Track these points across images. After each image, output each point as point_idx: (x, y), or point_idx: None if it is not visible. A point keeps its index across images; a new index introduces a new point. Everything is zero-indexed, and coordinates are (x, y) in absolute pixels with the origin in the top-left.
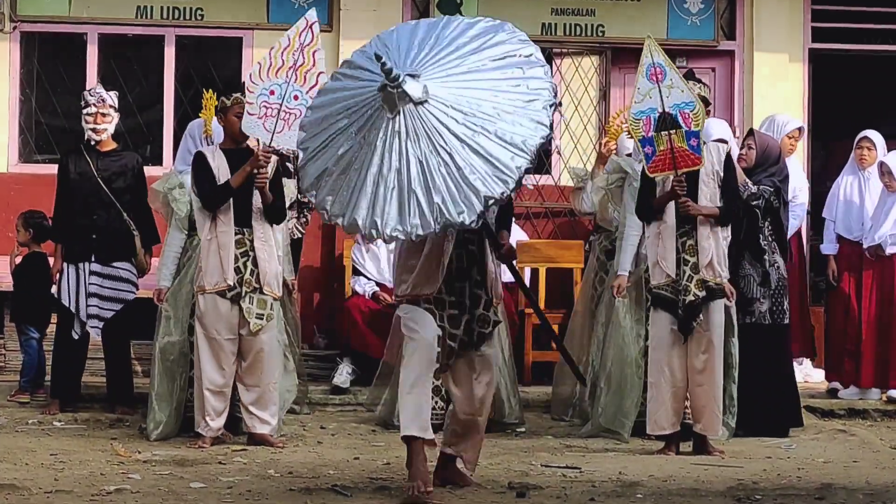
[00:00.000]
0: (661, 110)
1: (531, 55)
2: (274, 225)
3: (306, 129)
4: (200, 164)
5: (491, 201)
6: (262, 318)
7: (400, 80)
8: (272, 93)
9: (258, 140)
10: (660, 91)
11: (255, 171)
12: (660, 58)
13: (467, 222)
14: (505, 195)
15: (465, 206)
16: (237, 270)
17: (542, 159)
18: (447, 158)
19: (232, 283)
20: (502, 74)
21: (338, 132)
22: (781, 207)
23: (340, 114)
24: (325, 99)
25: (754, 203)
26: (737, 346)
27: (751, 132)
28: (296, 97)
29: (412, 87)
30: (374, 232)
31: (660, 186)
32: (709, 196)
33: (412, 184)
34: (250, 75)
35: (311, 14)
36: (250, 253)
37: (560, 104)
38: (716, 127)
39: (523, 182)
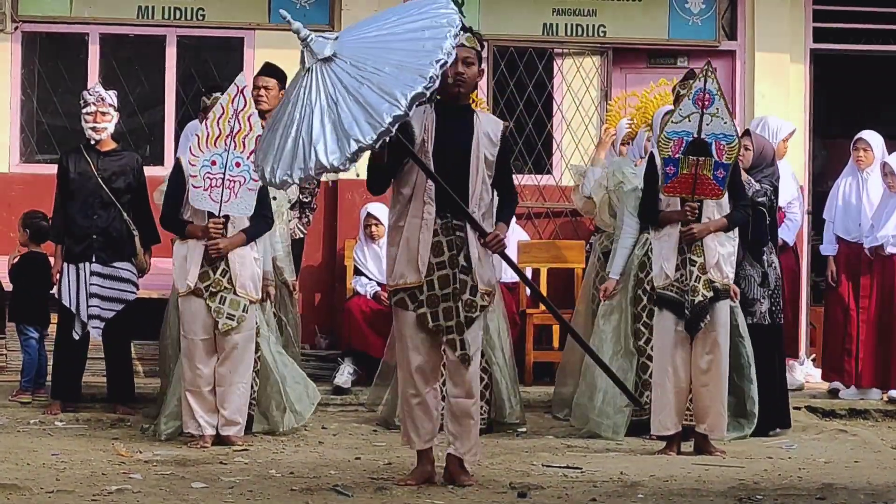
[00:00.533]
0: (695, 135)
1: (443, 21)
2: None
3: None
4: (174, 176)
5: (358, 145)
6: (232, 319)
7: (308, 38)
8: (214, 163)
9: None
10: (701, 117)
11: (207, 242)
12: (713, 85)
13: (336, 164)
14: (373, 140)
15: (338, 150)
16: (213, 270)
17: (543, 158)
18: (333, 107)
19: (192, 286)
20: (407, 35)
21: (281, 106)
22: (774, 210)
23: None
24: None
25: (760, 200)
26: (749, 346)
27: (747, 133)
28: (237, 164)
29: (319, 45)
30: (273, 180)
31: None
32: (714, 206)
33: (301, 131)
34: (190, 148)
35: (241, 79)
36: (225, 256)
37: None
38: None
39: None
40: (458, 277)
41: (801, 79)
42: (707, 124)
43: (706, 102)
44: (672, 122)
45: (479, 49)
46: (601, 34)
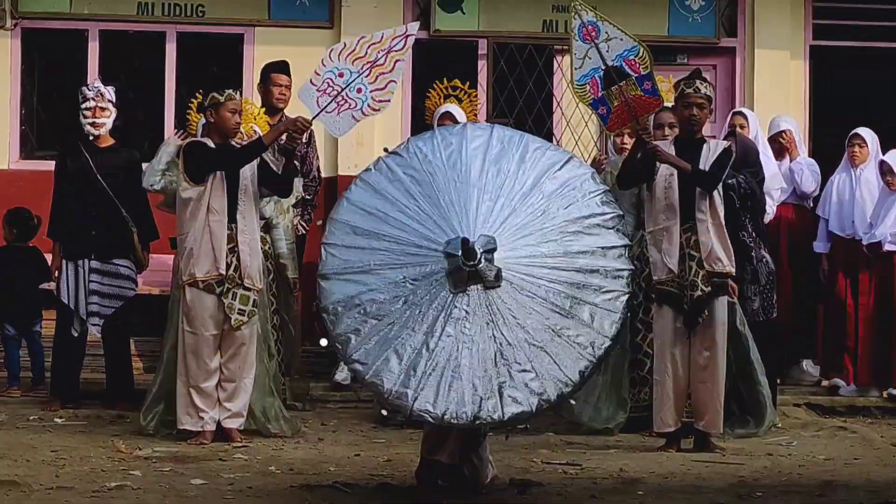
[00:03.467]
0: (604, 67)
1: (614, 226)
2: (257, 219)
3: (337, 226)
4: (201, 147)
5: (544, 406)
6: (243, 315)
7: (477, 261)
8: (341, 75)
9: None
10: (598, 48)
11: (291, 133)
12: (589, 16)
13: (504, 418)
14: (563, 399)
15: (512, 405)
16: (226, 267)
17: None
18: (507, 351)
19: (224, 273)
20: (583, 262)
21: (382, 266)
22: (758, 204)
23: (391, 243)
24: (373, 202)
25: (729, 182)
26: (752, 343)
27: (732, 133)
28: (359, 90)
29: (487, 270)
30: (398, 401)
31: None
32: (703, 194)
33: (460, 368)
34: (330, 51)
35: (413, 27)
36: (235, 249)
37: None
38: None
39: None
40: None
41: (801, 76)
42: (606, 52)
43: (593, 34)
44: (576, 68)
45: None
46: None
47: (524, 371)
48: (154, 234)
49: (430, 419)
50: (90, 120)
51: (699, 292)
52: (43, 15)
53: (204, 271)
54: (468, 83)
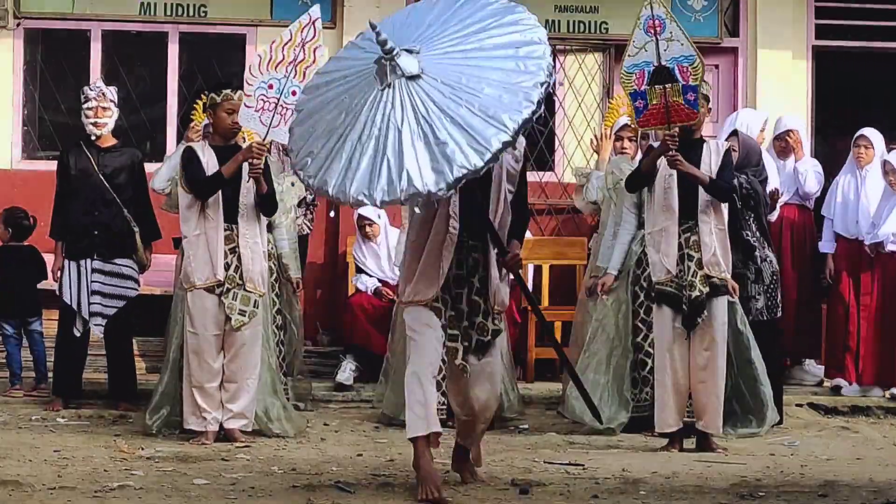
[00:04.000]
0: (656, 63)
1: (534, 37)
2: (261, 222)
3: (307, 92)
4: (190, 157)
5: (464, 172)
6: (244, 315)
7: (394, 52)
8: (270, 87)
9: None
10: (657, 44)
11: (250, 161)
12: (660, 10)
13: (435, 191)
14: (480, 168)
15: (435, 175)
16: (226, 267)
17: (545, 155)
18: (427, 129)
19: (221, 279)
20: (499, 53)
21: (331, 98)
22: (761, 204)
23: (338, 81)
24: (331, 66)
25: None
26: (753, 343)
27: (735, 133)
28: (294, 93)
29: (406, 62)
30: (340, 196)
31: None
32: (708, 198)
33: (386, 150)
34: (250, 68)
35: (315, 10)
36: (236, 250)
37: (554, 90)
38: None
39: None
40: (471, 299)
41: (804, 76)
42: (664, 50)
43: (658, 28)
44: (628, 55)
45: None
46: (603, 31)
47: (444, 144)
48: (156, 233)
49: (366, 202)
50: (92, 120)
51: (696, 293)
52: (45, 15)
53: (203, 279)
54: None
